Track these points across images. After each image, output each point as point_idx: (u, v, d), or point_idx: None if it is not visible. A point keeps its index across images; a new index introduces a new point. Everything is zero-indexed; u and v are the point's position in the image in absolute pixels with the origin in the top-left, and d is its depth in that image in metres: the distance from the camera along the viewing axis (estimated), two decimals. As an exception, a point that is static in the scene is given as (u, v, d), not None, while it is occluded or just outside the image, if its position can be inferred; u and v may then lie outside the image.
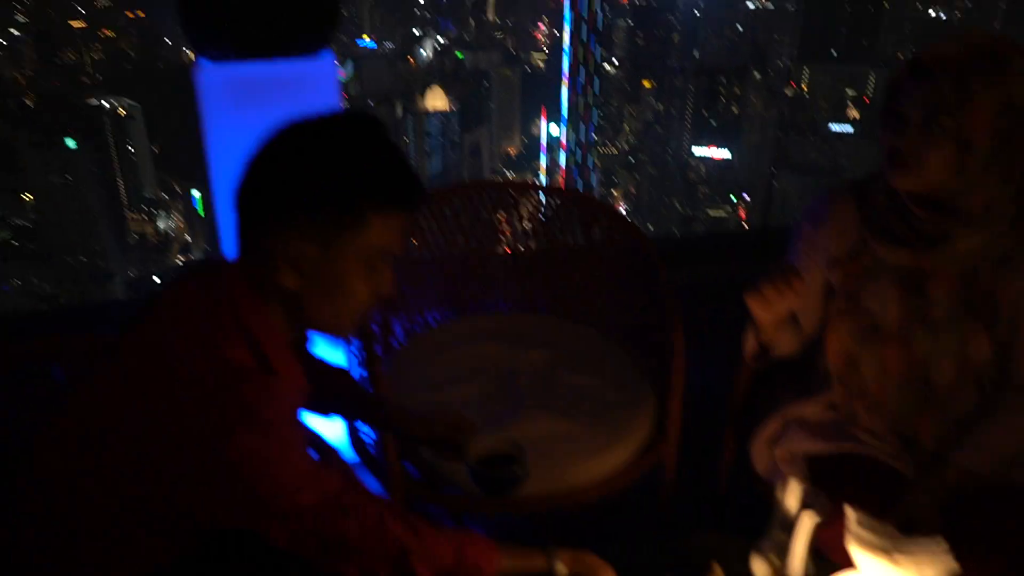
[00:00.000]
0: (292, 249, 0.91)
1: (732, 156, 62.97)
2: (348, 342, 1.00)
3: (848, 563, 1.20)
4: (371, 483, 1.90)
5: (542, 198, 2.05)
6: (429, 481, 1.59)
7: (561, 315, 2.03)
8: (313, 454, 1.35)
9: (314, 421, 1.27)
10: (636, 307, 1.90)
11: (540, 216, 2.06)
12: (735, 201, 62.28)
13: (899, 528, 1.18)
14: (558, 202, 2.05)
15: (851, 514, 1.17)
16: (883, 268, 1.33)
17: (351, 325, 1.00)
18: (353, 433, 1.70)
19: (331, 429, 1.89)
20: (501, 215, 2.05)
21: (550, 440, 1.59)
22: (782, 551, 1.19)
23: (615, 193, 66.53)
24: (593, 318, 2.01)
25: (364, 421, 1.39)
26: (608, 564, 1.14)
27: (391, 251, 0.97)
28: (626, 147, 70.57)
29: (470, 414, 1.63)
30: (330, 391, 1.32)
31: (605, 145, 70.72)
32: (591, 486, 1.56)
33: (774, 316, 1.32)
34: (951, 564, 1.10)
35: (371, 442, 1.67)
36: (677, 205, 62.78)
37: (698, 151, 64.04)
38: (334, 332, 1.00)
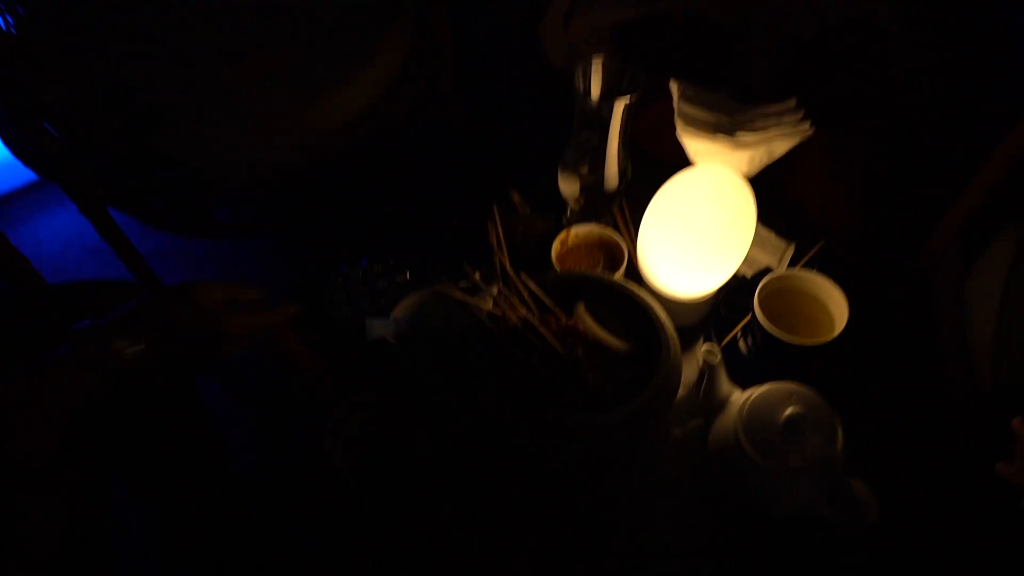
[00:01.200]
0: None
1: None
2: None
3: (681, 160, 0.91)
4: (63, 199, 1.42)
5: None
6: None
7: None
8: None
9: None
10: None
11: None
12: None
13: (735, 96, 0.89)
14: None
15: (676, 90, 0.86)
16: None
17: None
18: (10, 141, 1.18)
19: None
20: None
21: (271, 84, 1.14)
22: (594, 156, 0.88)
23: None
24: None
25: None
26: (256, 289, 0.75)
27: None
28: None
29: (167, 71, 1.15)
30: None
31: None
32: (339, 128, 1.16)
33: None
34: (804, 128, 0.83)
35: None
36: None
37: None
38: None
